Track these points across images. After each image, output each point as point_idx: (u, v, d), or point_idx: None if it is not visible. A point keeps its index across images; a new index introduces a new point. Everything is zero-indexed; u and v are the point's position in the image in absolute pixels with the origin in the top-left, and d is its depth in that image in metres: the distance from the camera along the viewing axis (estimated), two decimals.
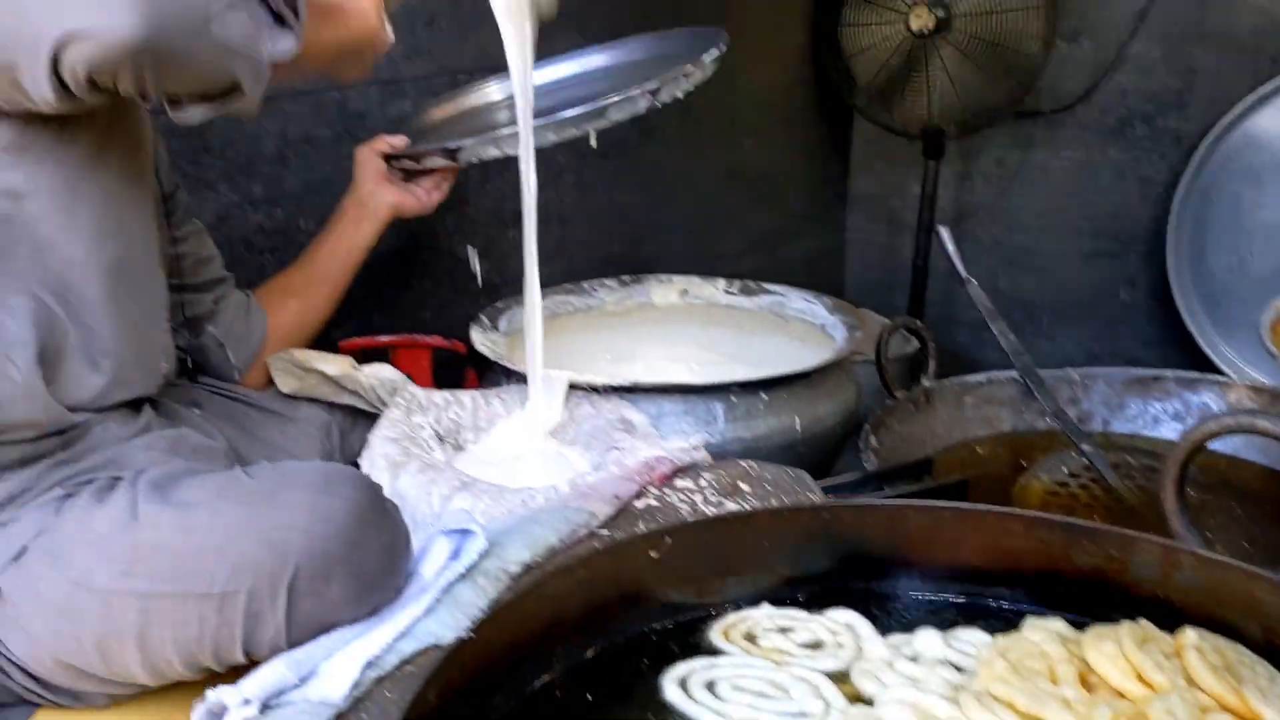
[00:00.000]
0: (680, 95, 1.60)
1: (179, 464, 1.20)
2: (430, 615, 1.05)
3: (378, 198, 1.72)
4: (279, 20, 1.05)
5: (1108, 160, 3.37)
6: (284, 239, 1.94)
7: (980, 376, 1.86)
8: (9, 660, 1.12)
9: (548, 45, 2.39)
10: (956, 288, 3.62)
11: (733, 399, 1.54)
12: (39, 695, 1.15)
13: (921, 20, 3.10)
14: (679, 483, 1.32)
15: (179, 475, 1.15)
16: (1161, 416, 1.84)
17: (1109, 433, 1.84)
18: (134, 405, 1.26)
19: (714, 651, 1.03)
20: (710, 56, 1.57)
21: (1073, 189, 3.43)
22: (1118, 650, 0.96)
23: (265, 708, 0.96)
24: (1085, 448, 1.69)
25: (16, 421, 1.12)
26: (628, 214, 2.75)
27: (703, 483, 1.32)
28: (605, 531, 1.23)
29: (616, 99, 1.51)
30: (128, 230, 1.21)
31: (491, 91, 1.97)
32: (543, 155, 2.43)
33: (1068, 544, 1.10)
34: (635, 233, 2.76)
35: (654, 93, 1.53)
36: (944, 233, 2.00)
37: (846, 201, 3.83)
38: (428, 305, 2.22)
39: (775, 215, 3.41)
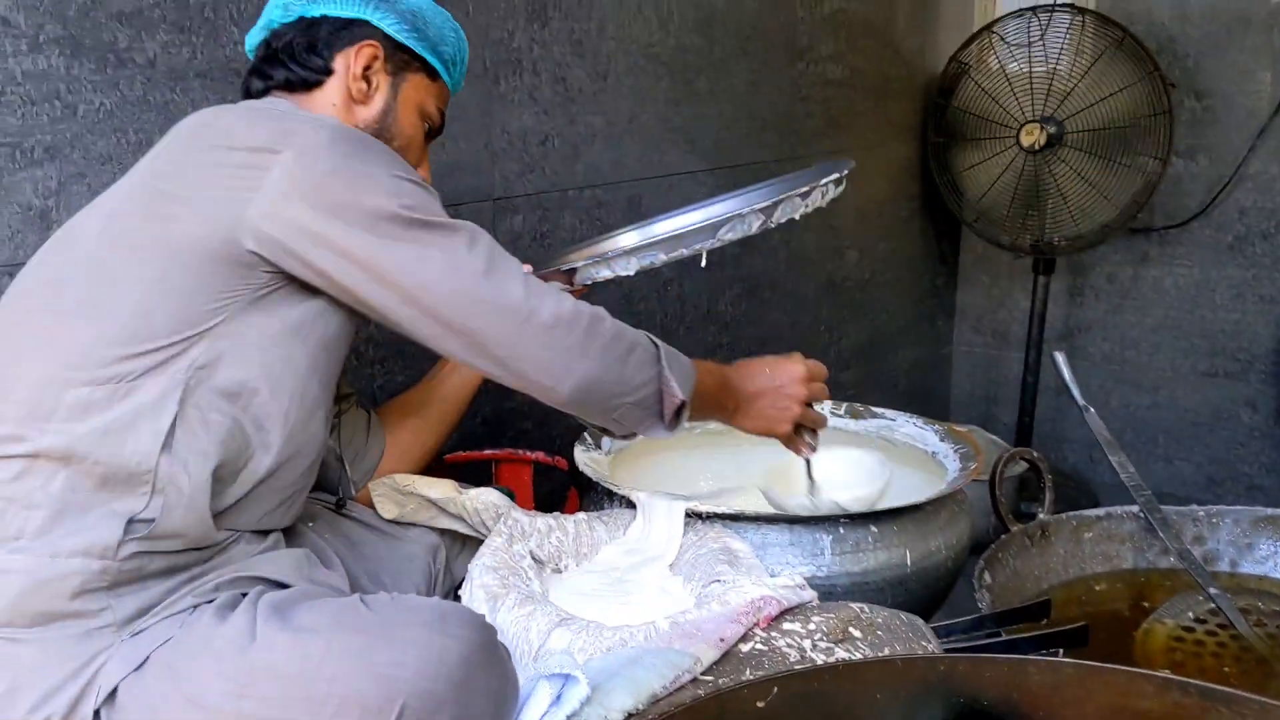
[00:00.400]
0: (796, 217, 1.60)
1: (301, 584, 1.22)
2: None
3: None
4: (662, 417, 1.35)
5: (1225, 278, 3.28)
6: (393, 351, 1.98)
7: (1099, 511, 1.79)
8: None
9: (676, 195, 2.44)
10: (1067, 404, 3.55)
11: (841, 531, 1.50)
12: None
13: (1033, 137, 3.09)
14: (786, 625, 1.28)
15: (299, 598, 1.17)
16: (1268, 553, 1.75)
17: (1237, 574, 1.75)
18: (266, 532, 1.30)
19: None
20: (829, 178, 1.57)
21: (1188, 306, 3.35)
22: None
23: None
24: (1212, 591, 1.60)
25: (170, 530, 1.16)
26: (729, 324, 2.75)
27: (811, 626, 1.27)
28: (709, 678, 1.19)
29: (727, 216, 1.51)
30: (332, 371, 1.31)
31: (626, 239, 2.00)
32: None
33: (1203, 709, 1.03)
34: (735, 343, 2.75)
35: (767, 211, 1.53)
36: (1060, 358, 1.95)
37: (953, 314, 3.79)
38: (530, 417, 2.23)
39: (878, 327, 3.38)
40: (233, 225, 1.18)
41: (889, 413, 1.93)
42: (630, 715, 1.11)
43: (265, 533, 1.29)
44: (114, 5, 1.53)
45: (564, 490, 1.94)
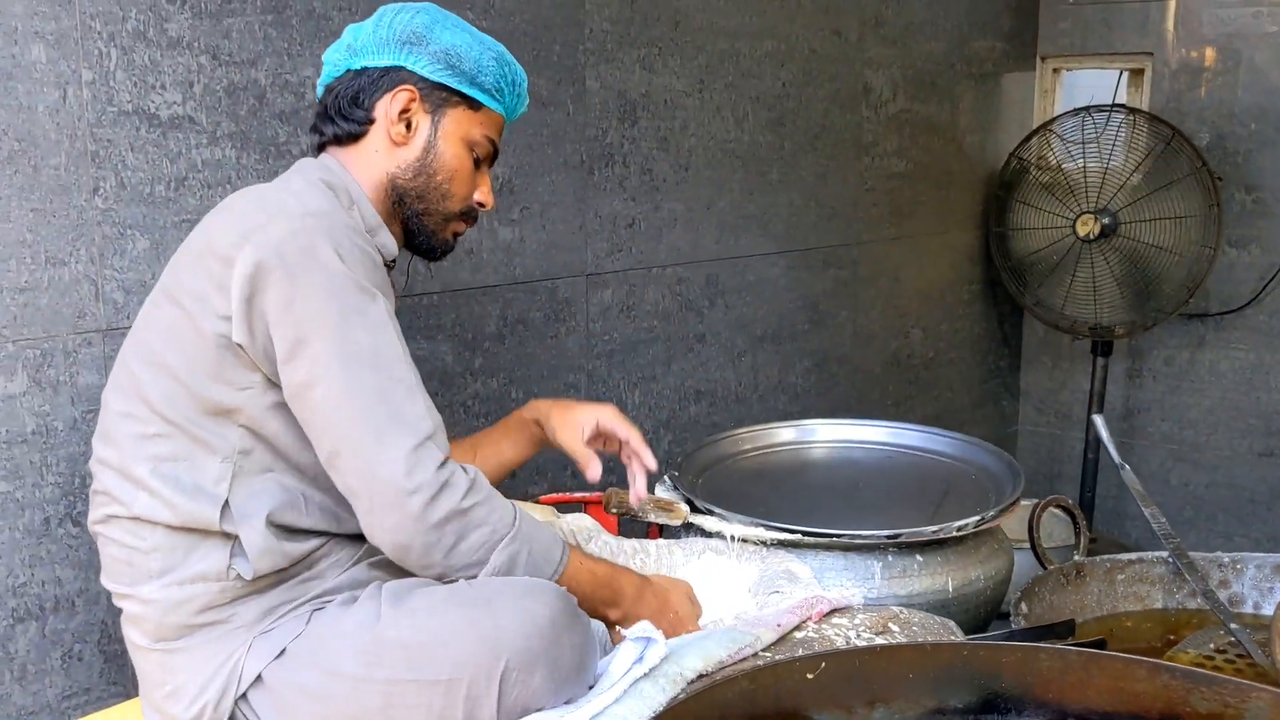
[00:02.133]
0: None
1: (411, 579, 1.45)
2: (618, 703, 1.24)
3: (565, 445, 1.72)
4: None
5: (1278, 361, 3.42)
6: (496, 405, 2.23)
7: (1131, 555, 1.96)
8: None
9: (750, 274, 2.68)
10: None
11: (889, 558, 1.70)
12: None
13: (1088, 227, 3.29)
14: (835, 620, 1.49)
15: (414, 586, 1.38)
16: None
17: (1259, 615, 1.90)
18: (357, 535, 1.48)
19: None
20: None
21: (1244, 389, 3.49)
22: None
23: None
24: (1233, 626, 1.76)
25: (262, 572, 1.37)
26: (797, 395, 2.96)
27: (857, 621, 1.48)
28: (767, 654, 1.41)
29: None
30: None
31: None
32: (722, 339, 2.70)
33: (1187, 690, 1.21)
34: (805, 413, 2.96)
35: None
36: (1099, 421, 2.13)
37: (1017, 395, 3.95)
38: (614, 470, 2.46)
39: (943, 404, 3.56)
40: (224, 321, 1.32)
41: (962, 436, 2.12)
42: (701, 675, 1.32)
43: (360, 539, 1.47)
44: (276, 106, 1.83)
45: (645, 528, 2.16)
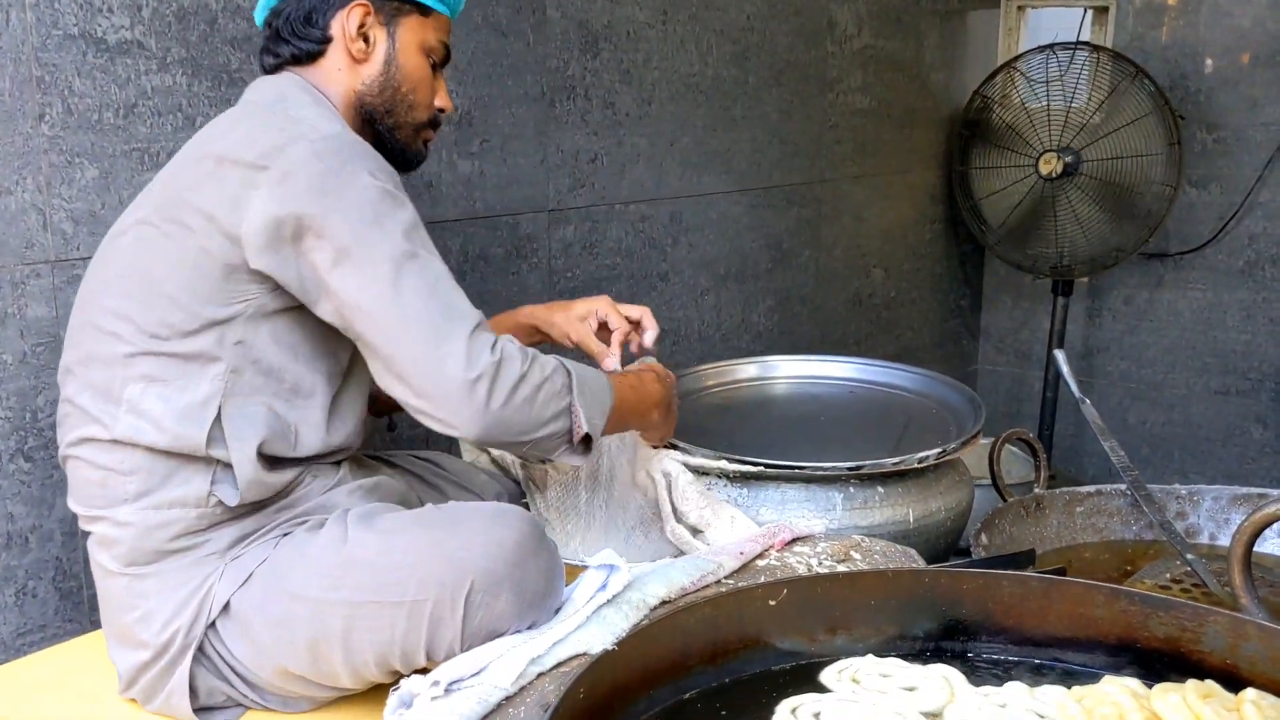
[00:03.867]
0: None
1: (378, 504, 1.44)
2: (582, 629, 1.24)
3: (577, 340, 1.79)
4: (574, 448, 1.41)
5: (1236, 300, 3.46)
6: None
7: (1090, 488, 1.98)
8: (231, 669, 1.36)
9: (712, 212, 2.66)
10: (1086, 422, 3.72)
11: (850, 489, 1.71)
12: (252, 700, 1.37)
13: (1050, 166, 3.29)
14: (797, 548, 1.50)
15: (381, 510, 1.39)
16: (1268, 534, 1.91)
17: (1215, 545, 1.93)
18: (336, 461, 1.50)
19: (823, 690, 1.18)
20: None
21: (1201, 328, 3.53)
22: (1182, 700, 1.08)
23: (448, 691, 1.16)
24: (1189, 556, 1.78)
25: (248, 501, 1.36)
26: (760, 334, 2.96)
27: (819, 549, 1.49)
28: (730, 581, 1.41)
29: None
30: (339, 343, 1.43)
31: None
32: (685, 278, 2.69)
33: (1145, 615, 1.22)
34: (766, 353, 2.95)
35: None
36: (1059, 355, 2.14)
37: (978, 335, 3.98)
38: None
39: (904, 344, 3.58)
40: (234, 241, 1.31)
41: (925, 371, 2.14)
42: (664, 602, 1.32)
43: (337, 463, 1.49)
44: (228, 32, 1.78)
45: None
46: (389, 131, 1.53)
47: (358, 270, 1.30)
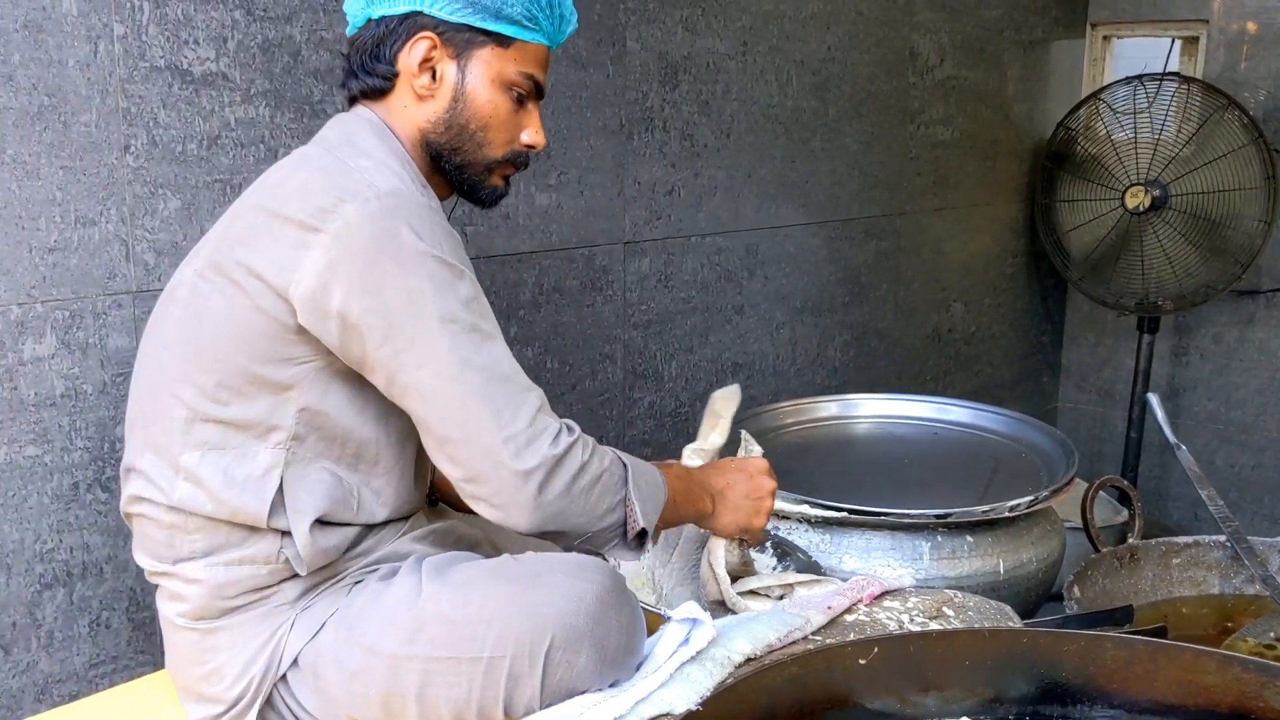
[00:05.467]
0: None
1: (452, 551, 1.41)
2: (664, 688, 1.20)
3: None
4: (628, 545, 1.34)
5: None
6: (531, 374, 2.16)
7: (1188, 539, 1.90)
8: None
9: (789, 244, 2.61)
10: (1171, 462, 3.61)
11: (938, 538, 1.64)
12: None
13: (1138, 199, 3.20)
14: (887, 603, 1.44)
15: (455, 560, 1.34)
16: None
17: None
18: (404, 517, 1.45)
19: None
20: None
21: None
22: None
23: None
24: None
25: (314, 567, 1.32)
26: (835, 369, 2.90)
27: (910, 604, 1.43)
28: (818, 638, 1.35)
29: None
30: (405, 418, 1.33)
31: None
32: (761, 311, 2.65)
33: (1261, 685, 1.15)
34: (842, 388, 2.91)
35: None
36: (1153, 399, 2.06)
37: (1059, 372, 3.88)
38: (650, 444, 2.42)
39: (983, 380, 3.49)
40: (284, 302, 1.24)
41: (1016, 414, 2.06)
42: (749, 659, 1.27)
43: (406, 516, 1.44)
44: (311, 64, 1.78)
45: None
46: (457, 170, 1.42)
47: (412, 348, 1.22)
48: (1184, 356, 3.59)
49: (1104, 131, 3.30)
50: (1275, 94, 3.32)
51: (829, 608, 1.39)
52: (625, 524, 1.31)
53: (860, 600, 1.43)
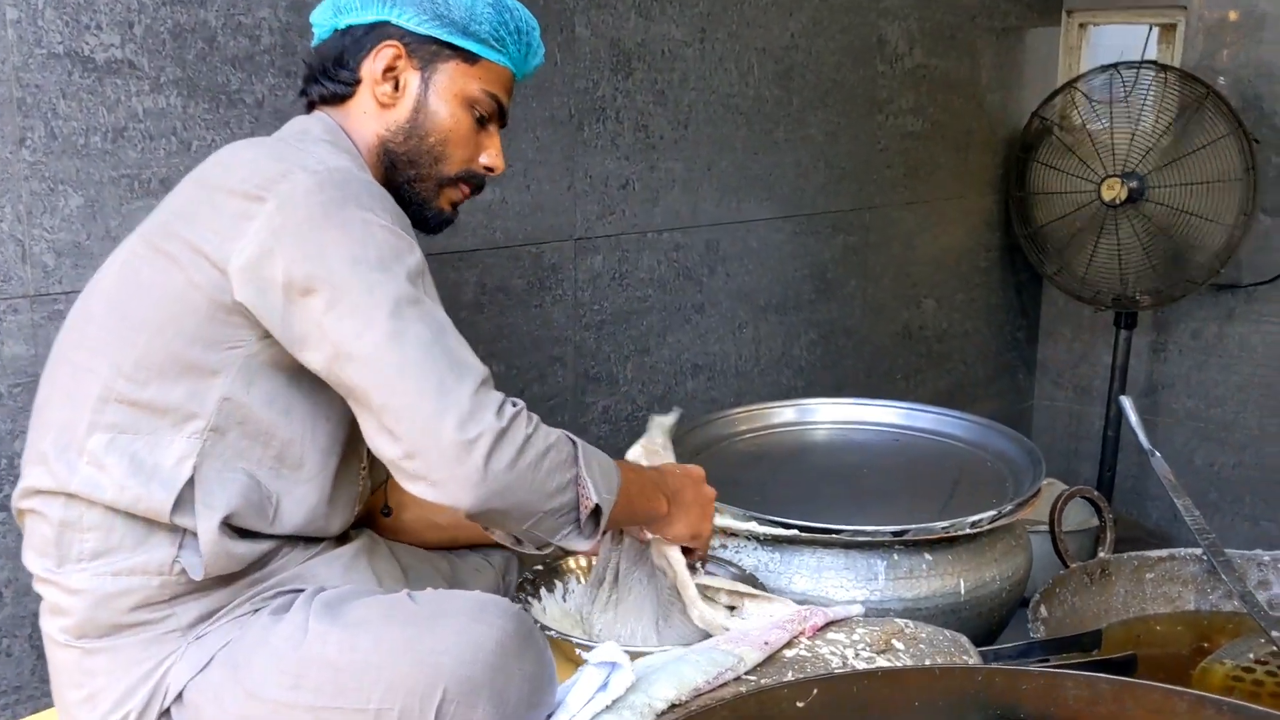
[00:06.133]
0: None
1: (355, 582, 1.30)
2: None
3: None
4: (581, 530, 1.26)
5: None
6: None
7: (1162, 552, 1.80)
8: None
9: (752, 239, 2.51)
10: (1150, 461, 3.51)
11: (895, 557, 1.54)
12: None
13: (1114, 192, 3.10)
14: (831, 635, 1.33)
15: (349, 596, 1.24)
16: None
17: None
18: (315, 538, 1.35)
19: None
20: None
21: (1275, 364, 3.32)
22: None
23: None
24: (1275, 634, 1.60)
25: (213, 574, 1.22)
26: (801, 369, 2.80)
27: (856, 637, 1.32)
28: (752, 678, 1.24)
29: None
30: (339, 408, 1.30)
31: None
32: (723, 310, 2.54)
33: None
34: (810, 388, 2.80)
35: None
36: (1126, 403, 1.97)
37: (1034, 369, 3.78)
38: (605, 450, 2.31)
39: (957, 378, 3.40)
40: (222, 276, 1.19)
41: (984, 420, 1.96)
42: (673, 705, 1.16)
43: (321, 539, 1.35)
44: (228, 51, 1.66)
45: None
46: (408, 183, 1.40)
47: (355, 314, 1.16)
48: (1162, 352, 3.50)
49: (1080, 121, 3.20)
50: (1255, 83, 3.22)
51: (765, 643, 1.27)
52: (578, 506, 1.23)
53: (802, 633, 1.32)
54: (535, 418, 1.21)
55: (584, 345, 2.26)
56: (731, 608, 1.46)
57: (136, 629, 1.21)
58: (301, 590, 1.25)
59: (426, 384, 1.15)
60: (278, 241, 1.17)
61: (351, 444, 1.33)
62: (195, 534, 1.21)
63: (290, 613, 1.21)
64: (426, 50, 1.37)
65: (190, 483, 1.20)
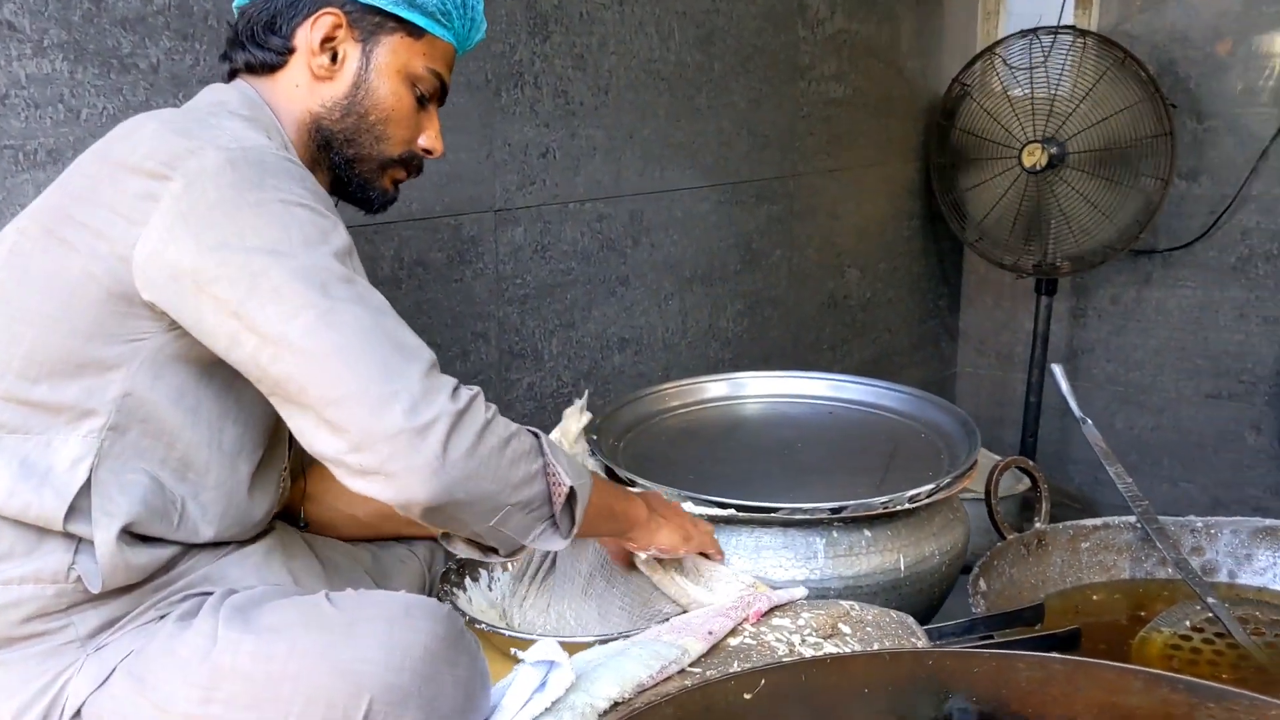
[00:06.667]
0: None
1: (269, 583, 1.21)
2: None
3: None
4: (556, 526, 1.17)
5: (1228, 299, 3.28)
6: None
7: (1097, 521, 1.79)
8: None
9: (676, 209, 2.44)
10: (1071, 425, 3.53)
11: (834, 534, 1.50)
12: None
13: (1035, 158, 3.09)
14: (775, 621, 1.28)
15: (262, 599, 1.15)
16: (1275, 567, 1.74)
17: (1235, 584, 1.74)
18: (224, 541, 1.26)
19: None
20: None
21: (1192, 328, 3.35)
22: None
23: None
24: (1210, 600, 1.59)
25: (112, 586, 1.12)
26: (729, 341, 2.75)
27: (801, 622, 1.27)
28: (697, 670, 1.19)
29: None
30: (249, 410, 1.21)
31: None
32: (648, 282, 2.48)
33: (1191, 706, 1.03)
34: (738, 360, 2.76)
35: None
36: (1058, 371, 1.95)
37: (956, 336, 3.79)
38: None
39: (882, 347, 3.38)
40: (124, 264, 1.09)
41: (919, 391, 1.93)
42: (616, 704, 1.11)
43: (232, 542, 1.25)
44: (118, 11, 1.55)
45: None
46: (347, 164, 1.30)
47: (280, 298, 1.05)
48: (1082, 318, 3.52)
49: (999, 87, 3.19)
50: (1169, 48, 3.23)
51: (709, 633, 1.22)
52: (550, 499, 1.14)
53: (746, 619, 1.27)
54: (493, 405, 1.12)
55: (507, 320, 2.19)
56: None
57: (30, 641, 1.11)
58: (210, 593, 1.16)
59: (370, 368, 1.04)
60: (185, 225, 1.07)
61: (270, 449, 1.25)
62: (92, 543, 1.11)
63: (198, 619, 1.12)
64: (369, 21, 1.27)
65: (86, 487, 1.10)
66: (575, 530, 1.17)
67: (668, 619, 1.31)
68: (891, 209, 3.35)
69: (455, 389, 1.08)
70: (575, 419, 1.55)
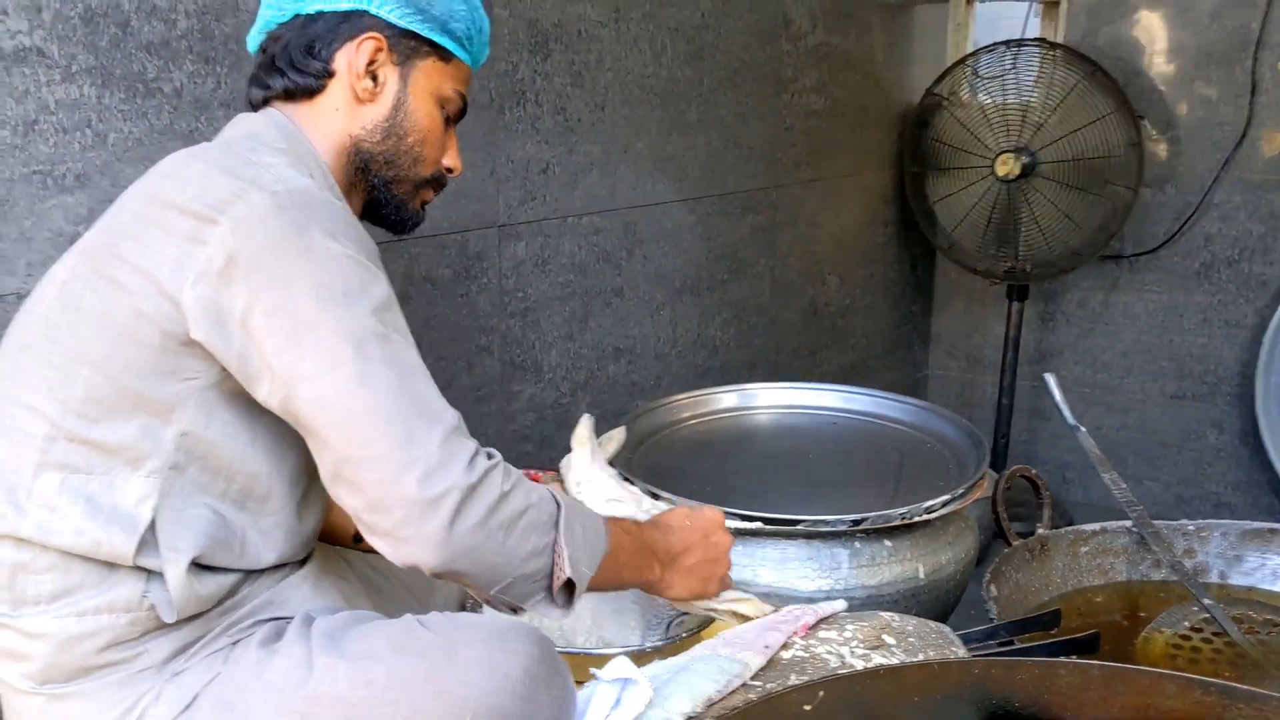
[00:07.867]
0: None
1: (326, 604, 1.24)
2: None
3: None
4: (554, 598, 1.17)
5: (1192, 303, 3.39)
6: None
7: (1095, 526, 1.86)
8: None
9: (667, 222, 2.48)
10: (1040, 426, 3.64)
11: (857, 545, 1.55)
12: None
13: (1007, 167, 3.18)
14: (823, 634, 1.33)
15: (348, 624, 1.17)
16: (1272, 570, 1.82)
17: (1226, 585, 1.83)
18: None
19: None
20: None
21: (1157, 331, 3.46)
22: None
23: None
24: (1206, 602, 1.67)
25: (185, 615, 1.14)
26: (716, 349, 2.80)
27: (847, 634, 1.32)
28: (758, 682, 1.24)
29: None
30: (306, 452, 1.20)
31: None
32: (640, 293, 2.52)
33: (1224, 707, 1.09)
34: (725, 368, 2.81)
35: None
36: (1051, 380, 2.02)
37: (929, 340, 3.87)
38: (531, 439, 2.27)
39: (859, 352, 3.45)
40: (173, 305, 1.10)
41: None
42: (689, 718, 1.15)
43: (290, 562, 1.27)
44: (143, 36, 1.56)
45: None
46: (385, 185, 1.32)
47: (316, 352, 1.07)
48: (1050, 322, 3.62)
49: (971, 98, 3.27)
50: (1133, 60, 3.34)
51: (765, 646, 1.27)
52: (551, 574, 1.15)
53: (795, 632, 1.32)
54: (516, 472, 1.14)
55: (510, 333, 2.22)
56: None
57: (107, 670, 1.13)
58: (282, 618, 1.18)
59: (394, 434, 1.06)
60: (234, 271, 1.08)
61: (293, 503, 1.24)
62: (163, 577, 1.12)
63: (285, 643, 1.14)
64: (406, 45, 1.29)
65: (151, 524, 1.11)
66: (572, 609, 1.19)
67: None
68: (868, 217, 3.42)
69: (473, 457, 1.09)
70: (615, 441, 1.59)
